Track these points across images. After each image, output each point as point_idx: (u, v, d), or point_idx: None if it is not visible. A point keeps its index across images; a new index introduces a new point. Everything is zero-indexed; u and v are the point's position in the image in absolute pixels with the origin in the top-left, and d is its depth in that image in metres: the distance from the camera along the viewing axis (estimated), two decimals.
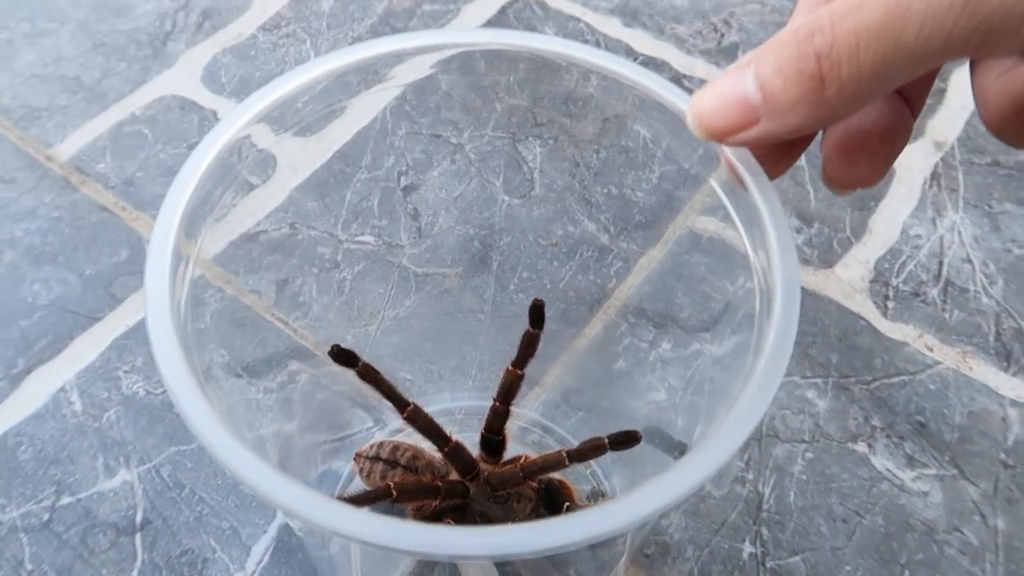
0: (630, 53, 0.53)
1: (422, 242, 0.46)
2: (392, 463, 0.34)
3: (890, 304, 0.45)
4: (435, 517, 0.33)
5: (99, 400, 0.41)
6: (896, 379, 0.42)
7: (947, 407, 0.41)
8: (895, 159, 0.25)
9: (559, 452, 0.31)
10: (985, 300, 0.45)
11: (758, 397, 0.21)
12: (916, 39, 0.19)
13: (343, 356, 0.33)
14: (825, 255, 0.46)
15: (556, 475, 0.34)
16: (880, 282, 0.45)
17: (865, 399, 0.42)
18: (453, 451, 0.33)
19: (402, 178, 0.48)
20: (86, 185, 0.48)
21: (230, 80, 0.52)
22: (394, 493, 0.30)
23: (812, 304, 0.45)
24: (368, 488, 0.31)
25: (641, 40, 0.54)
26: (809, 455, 0.40)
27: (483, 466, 0.34)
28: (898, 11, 0.19)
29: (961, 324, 0.44)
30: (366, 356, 0.34)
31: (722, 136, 0.23)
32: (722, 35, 0.54)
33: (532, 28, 0.55)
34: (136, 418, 0.41)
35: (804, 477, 0.40)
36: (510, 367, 0.34)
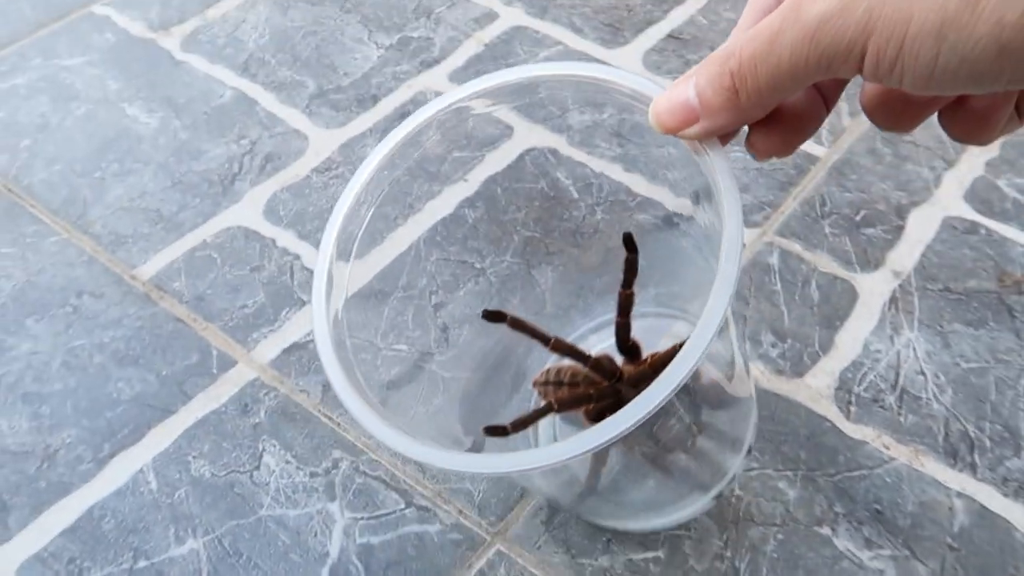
0: (629, 194, 0.62)
1: (449, 350, 0.54)
2: (558, 383, 0.43)
3: (852, 409, 0.51)
4: (599, 416, 0.41)
5: (171, 480, 0.48)
6: (857, 472, 0.49)
7: (901, 497, 0.48)
8: (807, 139, 0.33)
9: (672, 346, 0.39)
10: (936, 406, 0.52)
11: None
12: (789, 63, 0.27)
13: (492, 315, 0.44)
14: (796, 366, 0.53)
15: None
16: (844, 390, 0.52)
17: (829, 489, 0.48)
18: (595, 363, 0.42)
19: (432, 296, 0.56)
20: (164, 300, 0.56)
21: (287, 214, 0.61)
22: (555, 407, 0.40)
23: (784, 408, 0.52)
24: None
25: (638, 183, 0.63)
26: (780, 536, 0.47)
27: (625, 368, 0.43)
28: (775, 42, 0.27)
29: (914, 427, 0.51)
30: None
31: (673, 131, 0.32)
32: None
33: (547, 173, 0.64)
34: (202, 496, 0.48)
35: (776, 555, 0.46)
36: (621, 289, 0.43)
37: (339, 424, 0.51)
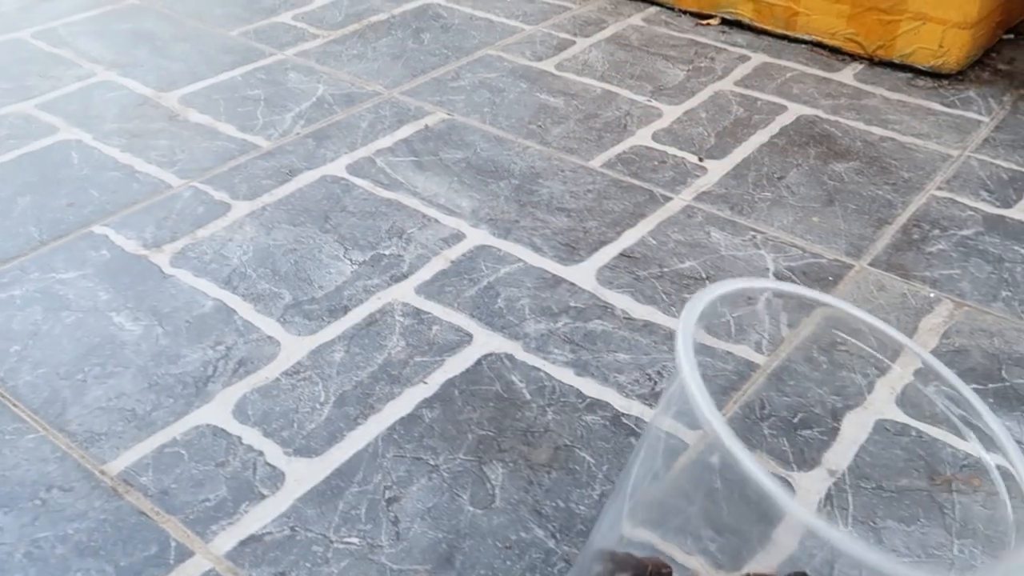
0: (579, 396, 0.66)
1: (399, 543, 0.56)
2: None
3: None
4: None
5: None
6: None
7: None
8: None
9: None
10: None
11: None
12: None
13: None
14: (734, 560, 0.55)
15: None
16: None
17: None
18: None
19: (387, 491, 0.59)
20: (130, 494, 0.59)
21: (255, 413, 0.65)
22: None
23: None
24: None
25: (589, 386, 0.67)
26: None
27: None
28: None
29: None
30: None
31: None
32: (655, 383, 0.67)
33: (502, 377, 0.68)
34: None
35: None
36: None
37: None
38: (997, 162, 0.94)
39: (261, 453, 0.62)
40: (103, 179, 0.90)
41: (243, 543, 0.56)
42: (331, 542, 0.56)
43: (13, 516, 0.58)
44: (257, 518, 0.58)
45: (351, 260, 0.79)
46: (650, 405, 0.65)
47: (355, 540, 0.56)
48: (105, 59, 1.13)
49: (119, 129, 0.98)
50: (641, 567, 0.46)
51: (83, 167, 0.92)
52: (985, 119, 1.02)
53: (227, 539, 0.56)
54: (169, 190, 0.89)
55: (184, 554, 0.55)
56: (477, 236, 0.82)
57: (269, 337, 0.71)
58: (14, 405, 0.65)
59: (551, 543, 0.56)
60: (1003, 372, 0.69)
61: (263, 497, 0.59)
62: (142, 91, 1.06)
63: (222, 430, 0.63)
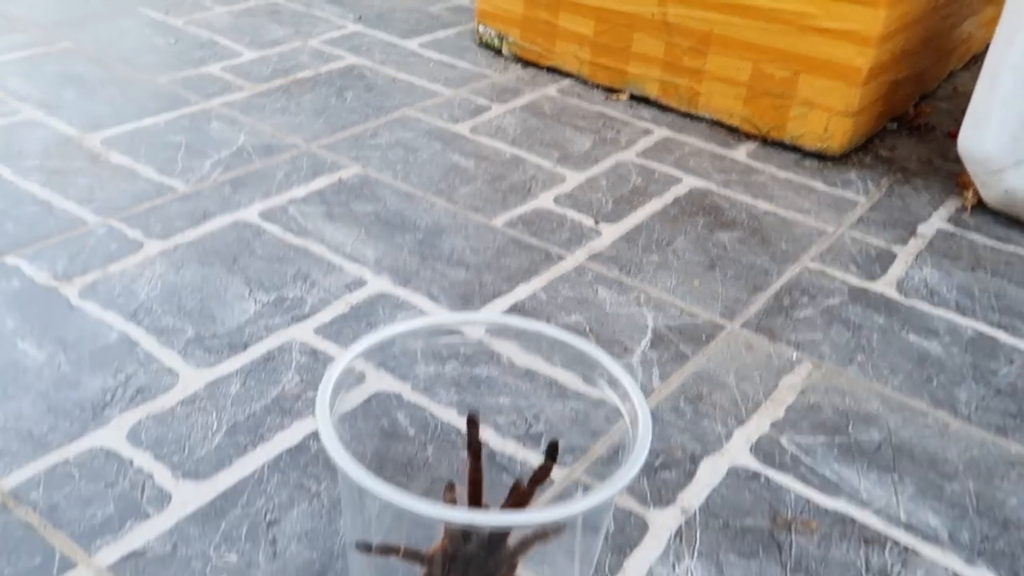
0: (459, 434, 0.70)
1: (275, 562, 0.59)
2: None
3: None
4: None
5: None
6: None
7: None
8: None
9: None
10: None
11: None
12: None
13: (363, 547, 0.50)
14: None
15: None
16: None
17: None
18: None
19: (268, 514, 0.62)
20: (18, 509, 0.61)
21: (148, 438, 0.68)
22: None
23: None
24: None
25: None
26: None
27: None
28: None
29: None
30: None
31: None
32: (530, 425, 0.72)
33: (389, 414, 0.72)
34: None
35: None
36: (525, 487, 0.50)
37: None
38: (868, 239, 1.02)
39: (151, 475, 0.65)
40: (19, 212, 0.93)
41: (125, 558, 0.59)
42: (210, 559, 0.59)
43: None
44: (141, 535, 0.61)
45: (255, 300, 0.83)
46: (524, 444, 0.70)
47: (233, 558, 0.59)
48: (32, 98, 1.16)
49: (40, 166, 1.01)
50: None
51: (0, 200, 0.95)
52: (862, 199, 1.11)
53: (110, 553, 0.59)
54: (84, 226, 0.92)
55: (67, 565, 0.58)
56: (378, 284, 0.87)
57: (169, 368, 0.74)
58: None
59: (417, 565, 0.60)
60: (849, 427, 0.75)
61: (148, 516, 0.62)
62: (66, 131, 1.09)
63: (115, 453, 0.66)
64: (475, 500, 0.52)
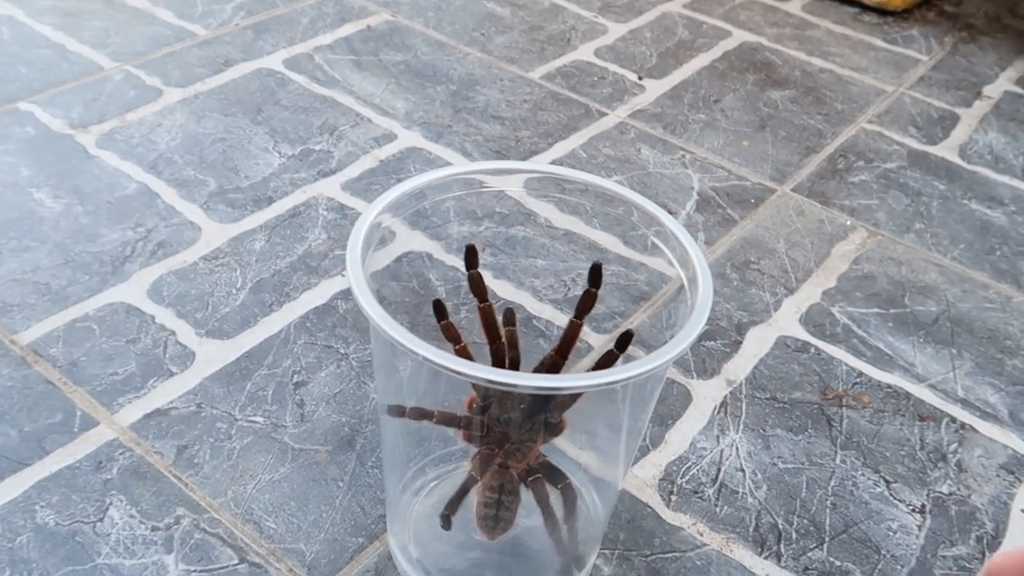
0: (494, 297, 0.67)
1: (303, 424, 0.57)
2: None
3: (673, 498, 0.55)
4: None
5: (15, 526, 0.50)
6: (670, 555, 0.52)
7: None
8: None
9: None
10: (750, 500, 0.56)
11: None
12: None
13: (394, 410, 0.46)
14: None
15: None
16: (667, 481, 0.56)
17: (643, 568, 0.51)
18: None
19: (295, 376, 0.60)
20: (38, 364, 0.59)
21: (170, 294, 0.65)
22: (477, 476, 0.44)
23: None
24: None
25: (505, 288, 0.68)
26: None
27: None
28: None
29: (729, 517, 0.54)
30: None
31: None
32: (568, 289, 0.69)
33: (420, 274, 0.69)
34: (43, 543, 0.50)
35: None
36: (573, 319, 0.45)
37: (187, 484, 0.53)
38: (929, 100, 0.96)
39: (173, 333, 0.62)
40: (32, 56, 0.88)
41: (148, 416, 0.57)
42: (236, 419, 0.57)
43: None
44: (164, 393, 0.58)
45: (280, 153, 0.79)
46: (561, 310, 0.67)
47: (260, 419, 0.57)
48: None
49: (53, 7, 0.96)
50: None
51: (12, 43, 0.90)
52: (924, 58, 1.03)
53: (132, 411, 0.57)
54: (100, 72, 0.87)
55: (89, 423, 0.56)
56: (409, 138, 0.83)
57: (191, 222, 0.71)
58: None
59: (450, 432, 0.58)
60: (906, 299, 0.71)
61: (172, 374, 0.60)
62: None
63: (136, 308, 0.64)
64: (496, 344, 0.48)
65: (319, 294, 0.66)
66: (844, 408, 0.62)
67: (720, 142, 0.87)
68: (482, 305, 0.47)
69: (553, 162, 0.81)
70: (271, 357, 0.61)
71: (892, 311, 0.70)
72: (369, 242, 0.46)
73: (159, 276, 0.66)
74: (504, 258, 0.71)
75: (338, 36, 0.96)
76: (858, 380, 0.64)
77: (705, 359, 0.64)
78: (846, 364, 0.65)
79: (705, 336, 0.66)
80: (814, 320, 0.68)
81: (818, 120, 0.91)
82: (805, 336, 0.67)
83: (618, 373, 0.37)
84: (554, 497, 0.46)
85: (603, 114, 0.89)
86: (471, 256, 0.47)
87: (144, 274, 0.66)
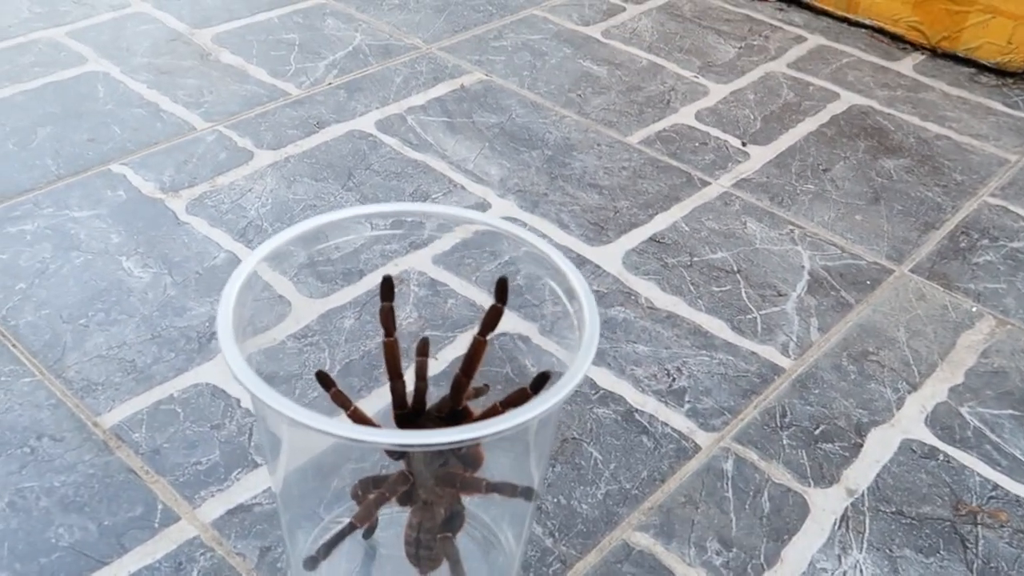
0: (593, 387, 0.63)
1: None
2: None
3: None
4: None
5: None
6: None
7: None
8: None
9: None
10: None
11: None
12: None
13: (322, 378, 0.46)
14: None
15: None
16: None
17: None
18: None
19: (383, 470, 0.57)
20: (120, 449, 0.57)
21: (258, 375, 0.62)
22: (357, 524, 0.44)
23: None
24: None
25: (604, 377, 0.64)
26: None
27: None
28: None
29: None
30: None
31: None
32: (673, 379, 0.64)
33: (514, 359, 0.65)
34: None
35: None
36: (477, 336, 0.43)
37: None
38: None
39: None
40: (127, 115, 0.88)
41: (231, 512, 0.54)
42: (321, 519, 0.54)
43: (1, 462, 0.56)
44: (247, 487, 0.56)
45: (371, 221, 0.77)
46: (666, 403, 0.62)
47: (347, 519, 0.54)
48: None
49: (148, 64, 0.96)
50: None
51: (108, 101, 0.89)
52: None
53: (215, 506, 0.54)
54: (193, 132, 0.86)
55: (170, 518, 0.53)
56: (503, 207, 0.79)
57: (280, 296, 0.69)
58: (13, 346, 0.64)
59: (548, 542, 0.54)
60: None
61: (256, 465, 0.57)
62: (175, 26, 1.03)
63: (221, 391, 0.61)
64: (396, 381, 0.47)
65: (408, 379, 0.63)
66: (979, 527, 0.56)
67: (831, 216, 0.82)
68: (387, 340, 0.45)
69: (653, 236, 0.77)
70: (360, 451, 0.58)
71: None
72: (244, 296, 0.47)
73: (247, 355, 0.64)
74: (602, 342, 0.67)
75: (431, 96, 0.94)
76: (993, 494, 0.58)
77: (823, 464, 0.59)
78: (979, 474, 0.59)
79: (822, 437, 0.61)
80: (941, 422, 0.63)
81: (936, 192, 0.86)
82: (932, 440, 0.62)
83: (518, 416, 0.37)
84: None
85: (706, 183, 0.85)
86: (386, 288, 0.46)
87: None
